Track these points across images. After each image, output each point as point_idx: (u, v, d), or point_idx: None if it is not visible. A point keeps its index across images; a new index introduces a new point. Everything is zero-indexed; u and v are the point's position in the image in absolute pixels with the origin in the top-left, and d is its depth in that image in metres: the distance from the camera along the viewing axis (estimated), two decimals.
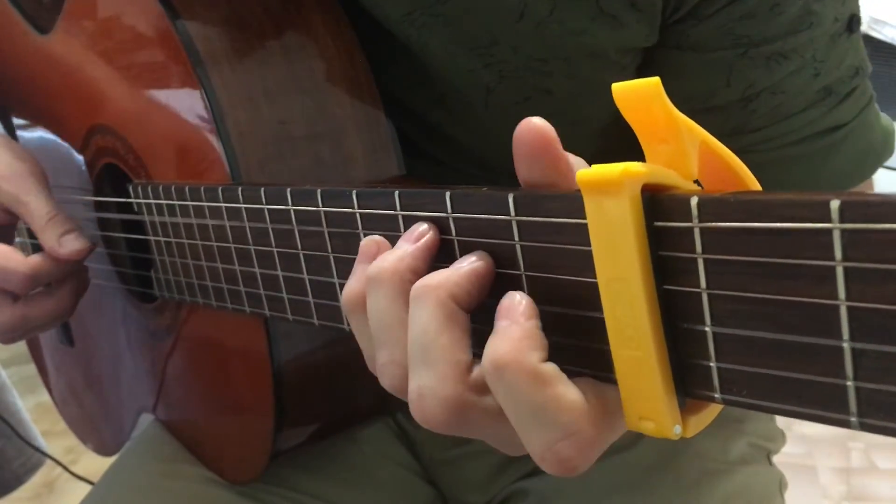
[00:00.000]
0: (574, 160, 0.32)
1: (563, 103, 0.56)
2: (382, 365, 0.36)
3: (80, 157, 0.69)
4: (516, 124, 0.50)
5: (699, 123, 0.54)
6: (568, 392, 0.30)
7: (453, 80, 0.56)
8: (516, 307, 0.31)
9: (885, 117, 0.59)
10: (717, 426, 0.68)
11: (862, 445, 1.81)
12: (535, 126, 0.31)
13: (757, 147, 0.55)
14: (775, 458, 0.72)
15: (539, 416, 0.30)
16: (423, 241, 0.35)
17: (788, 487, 0.71)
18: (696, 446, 0.67)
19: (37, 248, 0.76)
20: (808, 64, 0.52)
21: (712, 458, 0.68)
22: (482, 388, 0.32)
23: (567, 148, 0.33)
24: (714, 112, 0.54)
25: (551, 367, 0.30)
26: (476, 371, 0.32)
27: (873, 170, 0.58)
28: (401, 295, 0.34)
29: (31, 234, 0.77)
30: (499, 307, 0.32)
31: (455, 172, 0.63)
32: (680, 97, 0.54)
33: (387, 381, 0.36)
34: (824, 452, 1.81)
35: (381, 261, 0.35)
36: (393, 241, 0.38)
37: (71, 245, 0.61)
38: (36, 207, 0.61)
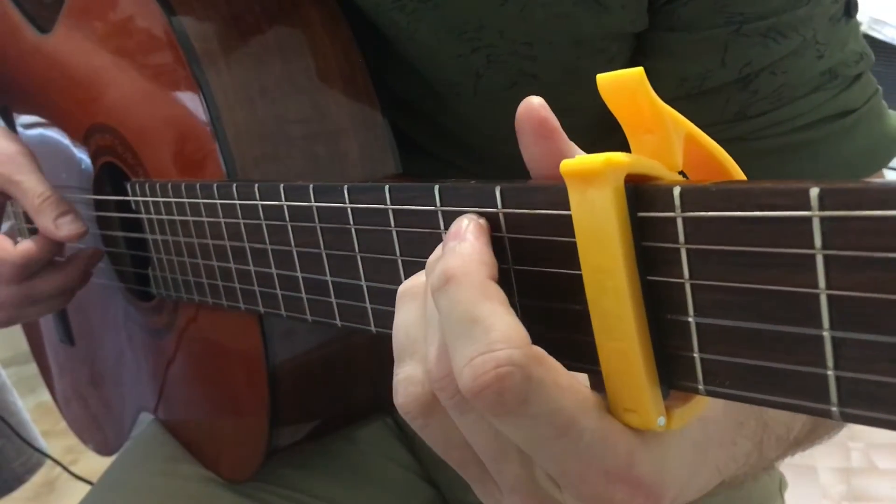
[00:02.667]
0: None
1: (550, 89, 0.55)
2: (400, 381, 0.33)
3: (80, 156, 0.69)
4: (506, 110, 0.50)
5: (697, 107, 0.55)
6: (508, 314, 0.29)
7: (443, 68, 0.56)
8: (465, 228, 0.31)
9: (893, 112, 0.58)
10: None
11: (862, 445, 1.80)
12: (531, 106, 0.32)
13: (762, 133, 0.54)
14: None
15: (471, 328, 0.28)
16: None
17: (788, 487, 0.70)
18: None
19: (33, 231, 0.76)
20: (809, 45, 0.51)
21: None
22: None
23: None
24: (712, 94, 0.54)
25: (498, 288, 0.29)
26: None
27: (886, 160, 0.57)
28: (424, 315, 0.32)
29: (27, 218, 0.77)
30: (448, 233, 0.32)
31: (450, 167, 0.63)
32: (674, 79, 0.54)
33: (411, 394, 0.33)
34: (824, 452, 1.80)
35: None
36: (384, 237, 0.38)
37: (67, 228, 0.61)
38: (29, 187, 0.61)
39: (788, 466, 0.71)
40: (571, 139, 0.33)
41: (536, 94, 0.56)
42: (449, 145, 0.62)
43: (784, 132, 0.54)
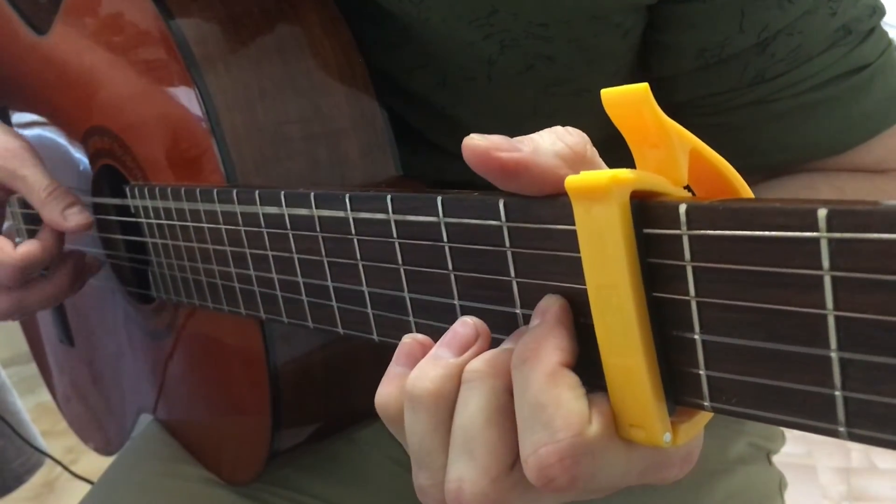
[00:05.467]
0: (542, 143, 0.31)
1: (566, 70, 0.55)
2: (424, 487, 0.34)
3: (78, 158, 0.69)
4: (520, 95, 0.49)
5: (716, 76, 0.55)
6: (572, 400, 0.29)
7: (455, 57, 0.56)
8: (549, 308, 0.31)
9: None
10: (717, 426, 0.68)
11: (862, 445, 1.80)
12: (468, 145, 0.31)
13: (779, 94, 0.54)
14: (775, 458, 0.71)
15: (537, 414, 0.29)
16: (470, 352, 0.33)
17: (788, 487, 0.71)
18: None
19: (31, 233, 0.76)
20: (822, 3, 0.51)
21: (712, 458, 0.68)
22: (524, 485, 0.31)
23: (577, 125, 0.32)
24: (731, 61, 0.54)
25: (567, 373, 0.30)
26: (518, 468, 0.31)
27: None
28: (444, 423, 0.32)
29: (26, 219, 0.77)
30: (536, 307, 0.32)
31: (458, 162, 0.63)
32: (693, 50, 0.54)
33: (430, 501, 0.34)
34: (824, 452, 1.81)
35: (422, 377, 0.33)
36: (386, 247, 0.38)
37: (75, 219, 0.60)
38: (35, 181, 0.61)
39: (788, 466, 0.71)
40: (589, 123, 0.32)
41: (552, 77, 0.56)
42: (460, 138, 0.62)
43: (800, 92, 0.54)
